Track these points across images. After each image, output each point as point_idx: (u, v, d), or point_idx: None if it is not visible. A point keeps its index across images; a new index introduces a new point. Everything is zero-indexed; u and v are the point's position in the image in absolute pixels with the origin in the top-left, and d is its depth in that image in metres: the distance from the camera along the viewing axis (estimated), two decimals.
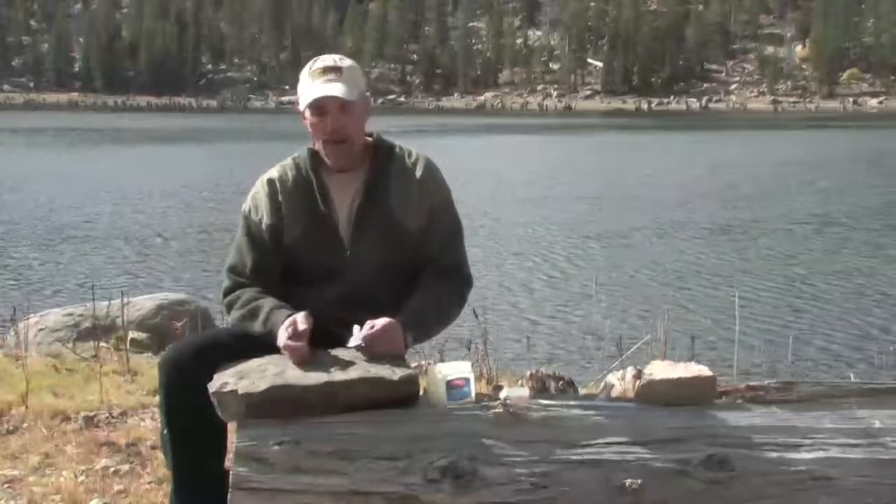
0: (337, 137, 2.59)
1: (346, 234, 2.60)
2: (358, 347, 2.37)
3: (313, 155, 2.67)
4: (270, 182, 2.66)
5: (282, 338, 2.38)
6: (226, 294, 2.63)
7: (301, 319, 2.38)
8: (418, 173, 2.65)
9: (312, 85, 2.58)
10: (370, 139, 2.68)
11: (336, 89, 2.55)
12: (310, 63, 2.65)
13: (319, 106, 2.57)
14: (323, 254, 2.60)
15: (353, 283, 2.56)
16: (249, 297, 2.56)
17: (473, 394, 2.37)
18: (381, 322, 2.40)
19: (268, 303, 2.51)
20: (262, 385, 2.22)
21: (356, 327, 2.39)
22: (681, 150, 37.16)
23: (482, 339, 4.96)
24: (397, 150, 2.69)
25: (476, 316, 4.73)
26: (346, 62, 2.64)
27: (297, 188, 2.63)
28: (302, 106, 2.61)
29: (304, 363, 2.33)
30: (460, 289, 2.66)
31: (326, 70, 2.59)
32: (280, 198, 2.63)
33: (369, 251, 2.58)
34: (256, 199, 2.66)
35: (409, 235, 2.60)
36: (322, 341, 2.42)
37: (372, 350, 2.38)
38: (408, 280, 2.59)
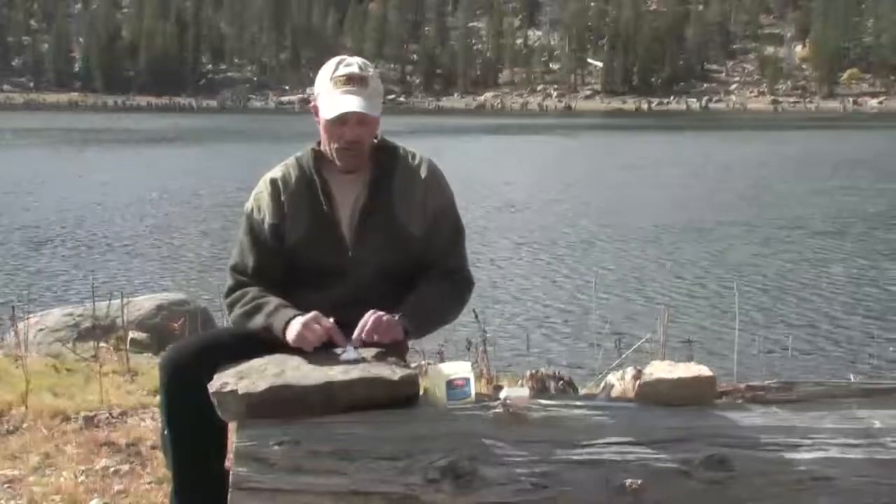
0: (353, 147, 2.58)
1: (349, 235, 2.60)
2: (356, 360, 2.36)
3: (316, 155, 2.67)
4: (273, 182, 2.65)
5: (305, 318, 2.40)
6: (229, 293, 2.63)
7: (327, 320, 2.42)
8: (422, 175, 2.65)
9: (334, 93, 2.55)
10: (374, 140, 2.68)
11: (360, 104, 2.53)
12: (333, 65, 2.60)
13: (341, 117, 2.55)
14: (325, 254, 2.60)
15: (355, 284, 2.56)
16: (254, 294, 2.56)
17: (473, 394, 2.36)
18: (367, 314, 2.41)
19: (274, 300, 2.52)
20: (262, 385, 2.22)
21: (350, 348, 2.38)
22: (680, 150, 37.15)
23: (482, 340, 4.95)
24: (401, 151, 2.69)
25: (476, 317, 4.73)
26: (370, 70, 2.61)
27: (300, 188, 2.63)
28: (322, 114, 2.58)
29: (310, 346, 2.37)
30: (460, 288, 2.66)
31: (351, 79, 2.55)
32: (283, 198, 2.62)
33: (371, 252, 2.58)
34: (259, 199, 2.66)
35: (412, 237, 2.60)
36: (323, 342, 2.42)
37: (371, 341, 2.39)
38: (409, 281, 2.59)
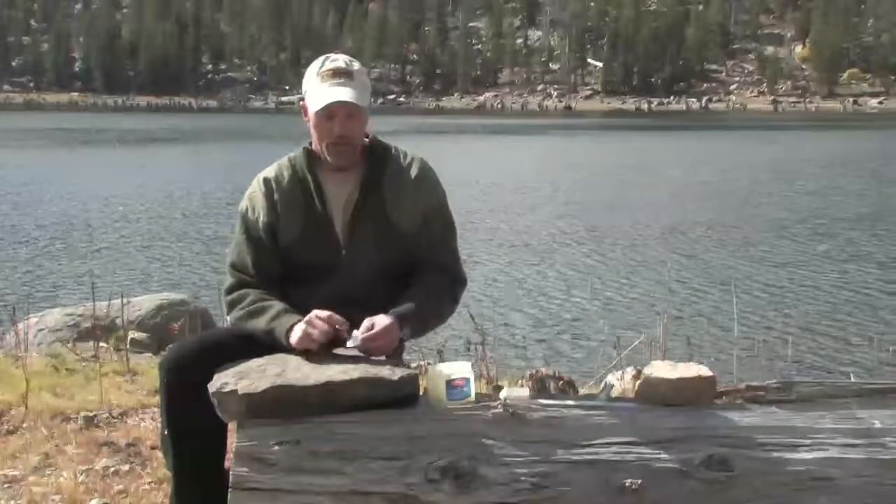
0: (343, 142, 2.60)
1: (342, 234, 2.61)
2: (356, 348, 2.38)
3: (309, 154, 2.68)
4: (266, 181, 2.67)
5: (306, 318, 2.40)
6: (229, 291, 2.63)
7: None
8: (413, 174, 2.66)
9: (321, 87, 2.58)
10: (366, 140, 2.69)
11: (347, 94, 2.55)
12: (319, 62, 2.64)
13: (328, 110, 2.57)
14: (318, 253, 2.61)
15: (348, 283, 2.57)
16: (256, 297, 2.56)
17: (473, 394, 2.37)
18: (378, 321, 2.41)
19: (277, 305, 2.52)
20: (262, 385, 2.22)
21: (355, 331, 2.40)
22: (680, 150, 37.15)
23: (482, 340, 4.95)
24: (393, 151, 2.71)
25: (472, 318, 4.72)
26: (356, 65, 2.64)
27: (293, 187, 2.64)
28: (310, 108, 2.61)
29: (315, 345, 2.36)
30: (453, 286, 2.67)
31: (337, 73, 2.58)
32: (276, 196, 2.64)
33: (364, 251, 2.60)
34: (253, 199, 2.67)
35: (404, 236, 2.61)
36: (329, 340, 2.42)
37: (370, 350, 2.39)
38: (403, 279, 2.60)
